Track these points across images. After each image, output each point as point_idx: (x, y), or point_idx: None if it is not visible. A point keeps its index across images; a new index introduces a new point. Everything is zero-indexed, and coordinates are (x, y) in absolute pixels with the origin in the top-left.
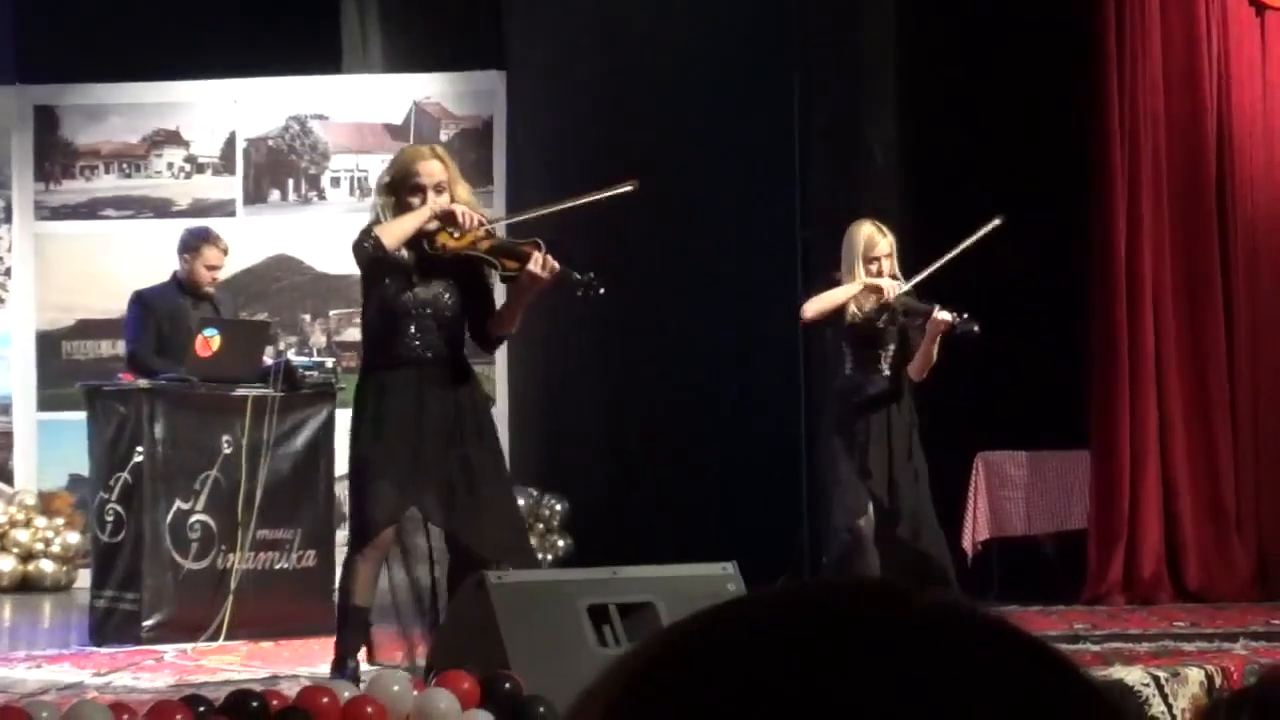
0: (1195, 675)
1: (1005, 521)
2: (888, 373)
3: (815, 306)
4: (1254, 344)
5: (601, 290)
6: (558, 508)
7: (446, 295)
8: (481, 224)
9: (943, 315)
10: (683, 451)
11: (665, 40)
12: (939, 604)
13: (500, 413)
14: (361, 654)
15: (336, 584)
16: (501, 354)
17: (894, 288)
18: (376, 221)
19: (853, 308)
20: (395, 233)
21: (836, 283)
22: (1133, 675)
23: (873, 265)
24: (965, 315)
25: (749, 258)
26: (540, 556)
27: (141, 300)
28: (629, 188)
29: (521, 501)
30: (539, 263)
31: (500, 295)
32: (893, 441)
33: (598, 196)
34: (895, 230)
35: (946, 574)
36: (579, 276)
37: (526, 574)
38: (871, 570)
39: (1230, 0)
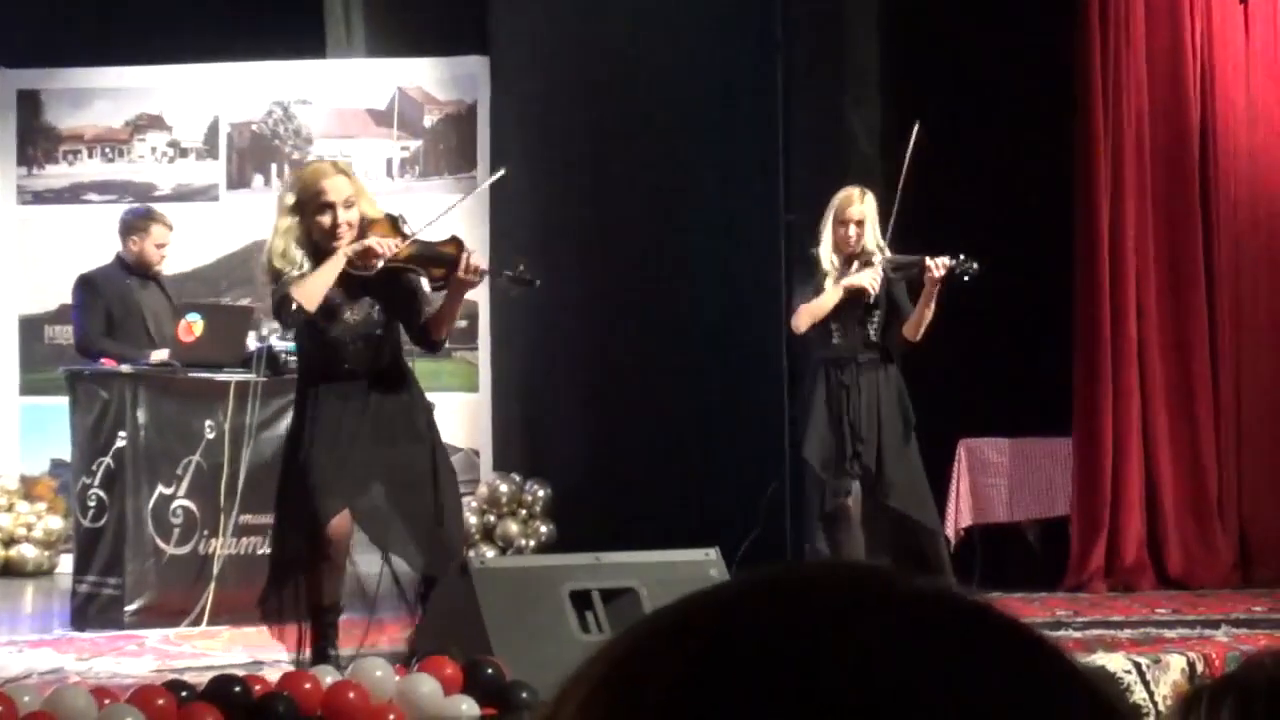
0: (1177, 662)
1: (988, 508)
2: (875, 339)
3: (806, 318)
4: (1237, 332)
5: (535, 282)
6: (540, 493)
7: (375, 311)
8: (397, 244)
9: (939, 261)
10: (665, 437)
11: (649, 25)
12: (927, 589)
13: (482, 399)
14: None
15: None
16: (484, 341)
17: (874, 281)
18: (280, 263)
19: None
20: (313, 293)
21: (817, 264)
22: (1114, 662)
23: (842, 228)
24: (961, 256)
25: (733, 243)
26: (523, 543)
27: (90, 283)
28: (502, 172)
29: (504, 488)
30: (464, 266)
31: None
32: (882, 410)
33: (484, 186)
34: (881, 216)
35: (939, 551)
36: (508, 273)
37: (509, 560)
38: (856, 552)
39: None
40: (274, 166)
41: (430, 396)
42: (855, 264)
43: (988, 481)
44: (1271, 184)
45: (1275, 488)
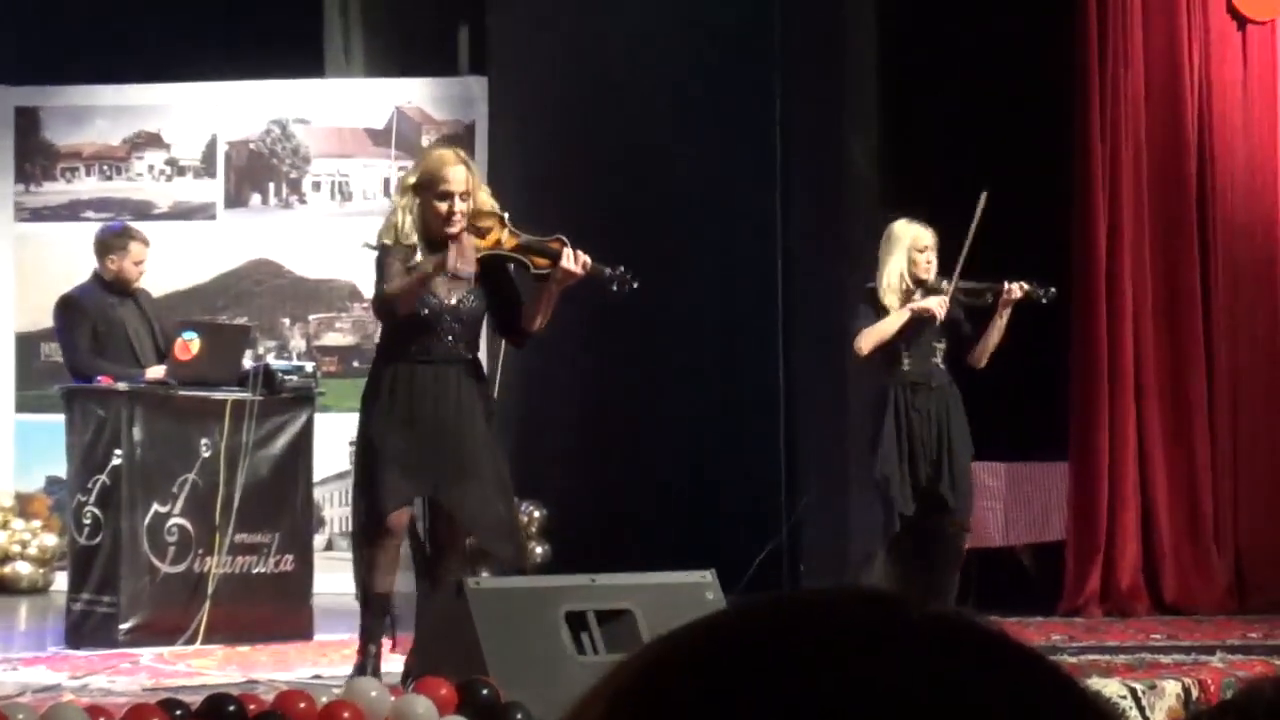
0: (1172, 688)
1: (983, 532)
2: (942, 364)
3: (870, 340)
4: (1233, 357)
5: (635, 284)
6: (536, 514)
7: (471, 298)
8: (497, 237)
9: (1017, 285)
10: (662, 459)
11: (647, 45)
12: (936, 614)
13: None
14: (386, 645)
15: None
16: (481, 359)
17: (942, 305)
18: (394, 238)
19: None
20: (407, 297)
21: (874, 294)
22: (1110, 687)
23: (921, 255)
24: (1035, 282)
25: (729, 264)
26: None
27: (74, 304)
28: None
29: None
30: (570, 258)
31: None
32: (952, 433)
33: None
34: (877, 239)
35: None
36: (610, 271)
37: (505, 580)
38: (881, 577)
39: (1212, 13)
40: (271, 185)
41: None
42: (919, 291)
43: (983, 505)
44: (1268, 208)
45: (1271, 513)
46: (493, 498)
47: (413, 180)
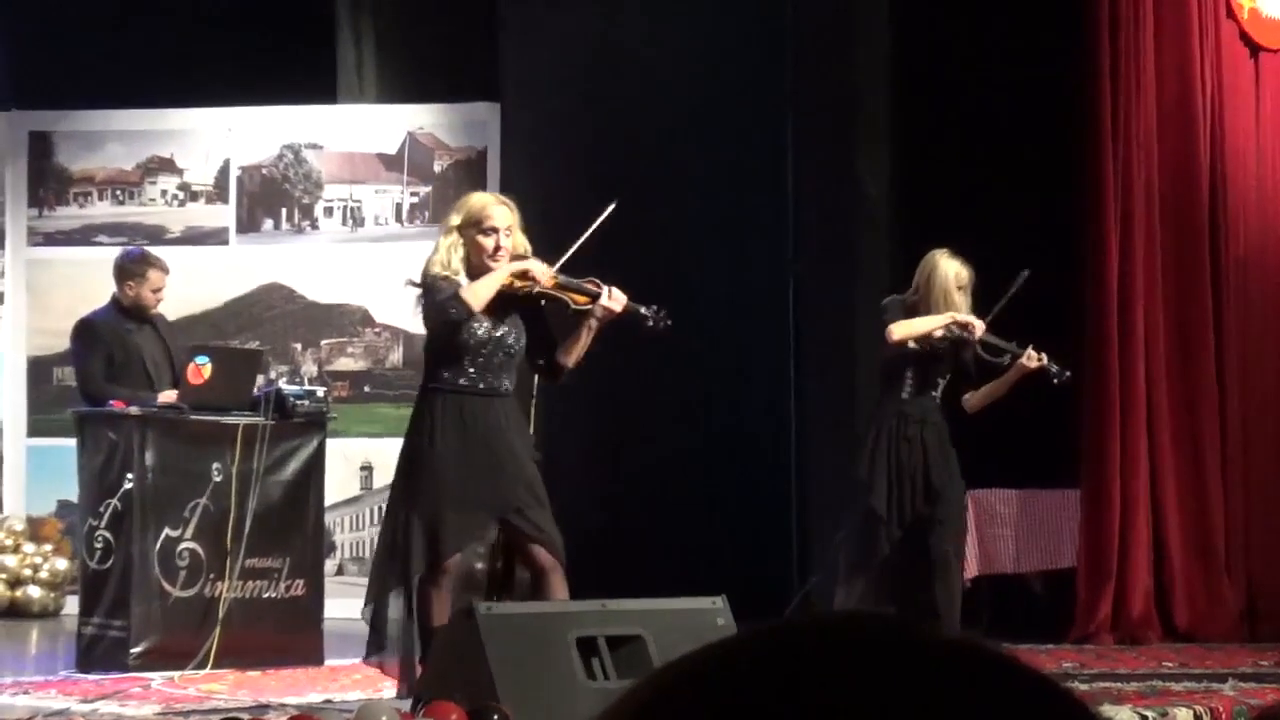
0: (1184, 716)
1: (995, 559)
2: (938, 400)
3: (904, 330)
4: (1245, 384)
5: (669, 322)
6: None
7: (513, 333)
8: (549, 273)
9: (1035, 356)
10: (673, 484)
11: (658, 72)
12: (947, 639)
13: None
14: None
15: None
16: None
17: (982, 326)
18: (443, 271)
19: (937, 333)
20: (481, 296)
21: (911, 308)
22: (1121, 715)
23: (960, 293)
24: (1054, 363)
25: (740, 290)
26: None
27: (90, 328)
28: (611, 206)
29: None
30: (609, 295)
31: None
32: (947, 461)
33: (596, 224)
34: (889, 264)
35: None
36: (646, 309)
37: (516, 605)
38: (866, 601)
39: (1225, 40)
40: (284, 210)
41: None
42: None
43: (995, 532)
44: (1279, 239)
45: None
46: (552, 523)
47: (457, 220)
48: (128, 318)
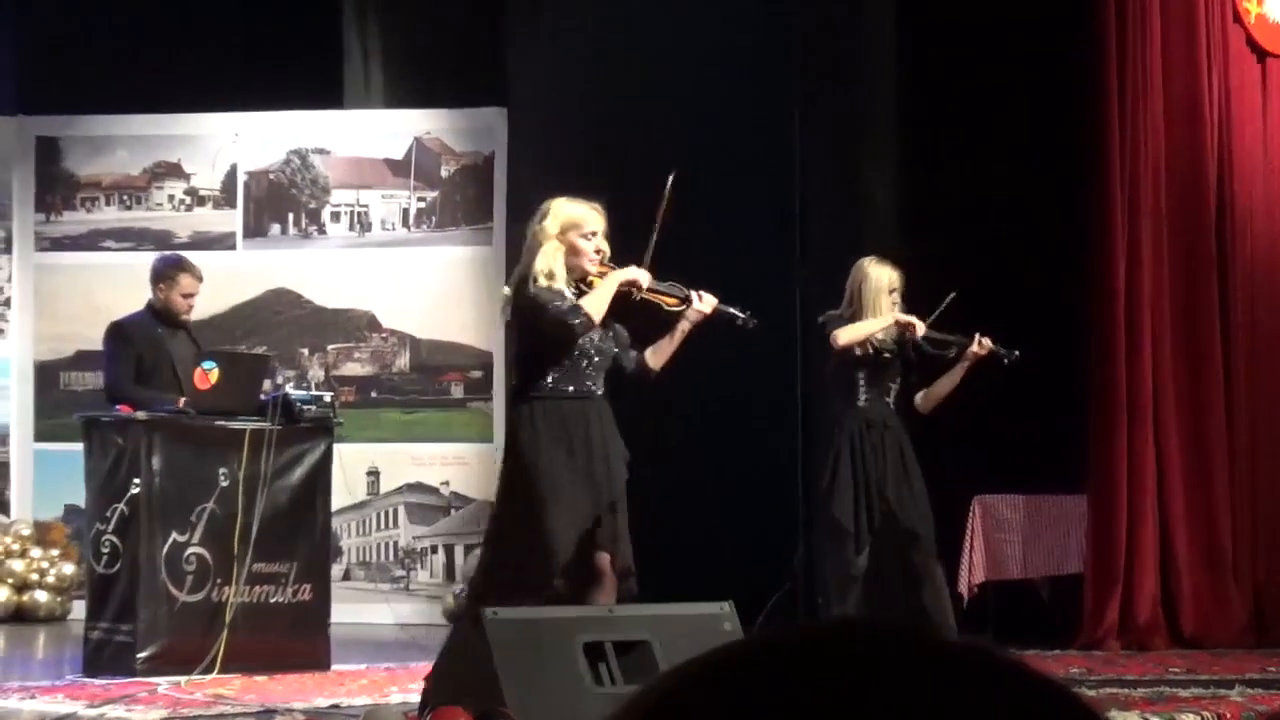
0: None
1: (1002, 564)
2: (893, 404)
3: (849, 334)
4: (1252, 389)
5: (754, 323)
6: None
7: (611, 336)
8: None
9: (981, 342)
10: (680, 490)
11: (665, 79)
12: (953, 644)
13: (497, 450)
14: None
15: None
16: (498, 392)
17: (923, 325)
18: (547, 281)
19: (878, 336)
20: (600, 307)
21: (843, 319)
22: None
23: (893, 296)
24: (999, 346)
25: (747, 296)
26: None
27: (122, 331)
28: (671, 178)
29: None
30: (700, 298)
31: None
32: (907, 465)
33: (664, 205)
34: (897, 269)
35: (945, 607)
36: (734, 311)
37: (523, 610)
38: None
39: (1232, 46)
40: (291, 215)
41: (444, 447)
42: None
43: (1002, 538)
44: None
45: None
46: (627, 534)
47: (554, 228)
48: (160, 322)
